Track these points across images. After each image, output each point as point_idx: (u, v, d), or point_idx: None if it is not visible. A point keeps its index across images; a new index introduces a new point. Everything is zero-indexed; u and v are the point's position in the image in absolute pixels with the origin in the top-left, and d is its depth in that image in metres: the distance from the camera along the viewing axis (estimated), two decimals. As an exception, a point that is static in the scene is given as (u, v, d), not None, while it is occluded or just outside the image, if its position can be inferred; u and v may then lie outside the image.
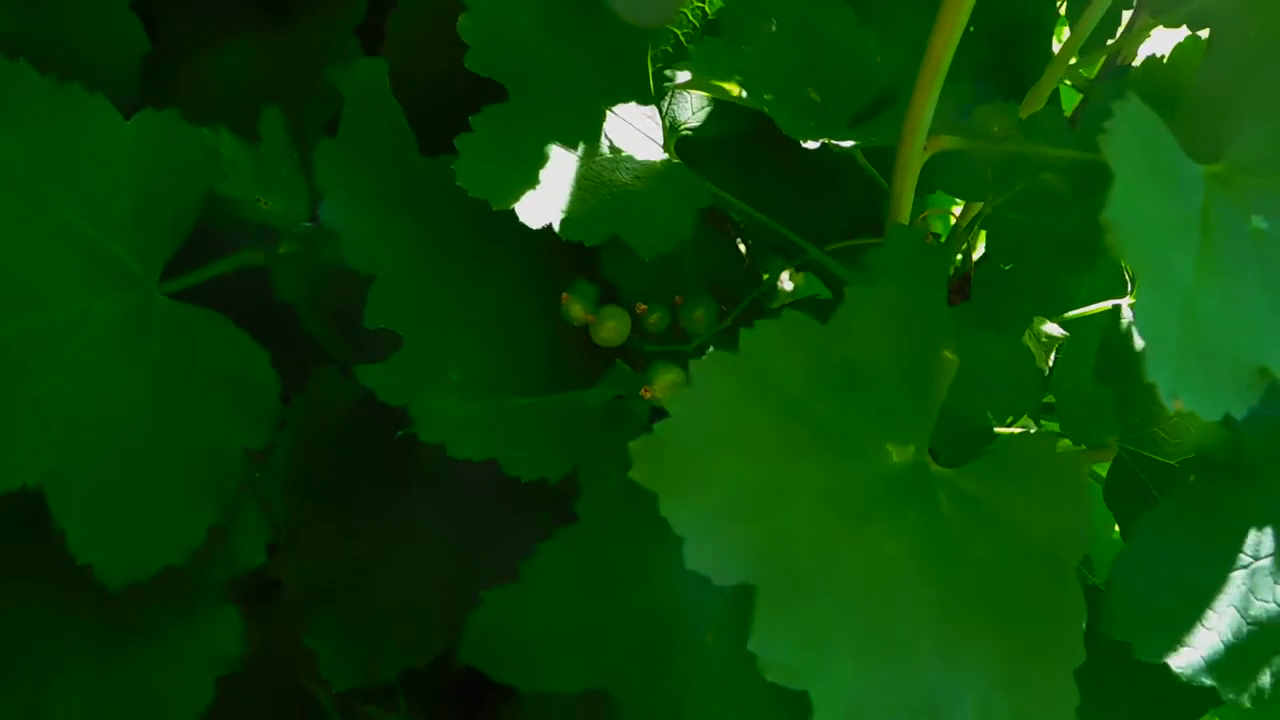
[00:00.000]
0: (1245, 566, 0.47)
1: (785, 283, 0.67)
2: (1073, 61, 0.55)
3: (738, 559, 0.35)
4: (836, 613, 0.37)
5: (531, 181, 0.49)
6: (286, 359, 0.58)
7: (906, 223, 0.49)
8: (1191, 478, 0.48)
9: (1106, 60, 0.58)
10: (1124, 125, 0.37)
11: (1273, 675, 0.47)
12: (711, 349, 0.36)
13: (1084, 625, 0.39)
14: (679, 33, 0.53)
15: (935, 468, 0.41)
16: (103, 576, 0.54)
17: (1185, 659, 0.46)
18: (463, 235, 0.56)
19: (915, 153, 0.46)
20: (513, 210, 0.50)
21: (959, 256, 0.56)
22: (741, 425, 0.36)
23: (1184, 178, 0.40)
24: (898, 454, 0.40)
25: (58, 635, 0.59)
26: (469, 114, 0.51)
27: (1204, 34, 0.55)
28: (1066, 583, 0.39)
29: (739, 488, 0.36)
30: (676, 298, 0.55)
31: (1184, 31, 0.55)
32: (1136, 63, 0.58)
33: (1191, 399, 0.35)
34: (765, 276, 0.55)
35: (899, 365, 0.39)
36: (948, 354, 0.39)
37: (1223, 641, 0.46)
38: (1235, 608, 0.47)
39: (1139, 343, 0.50)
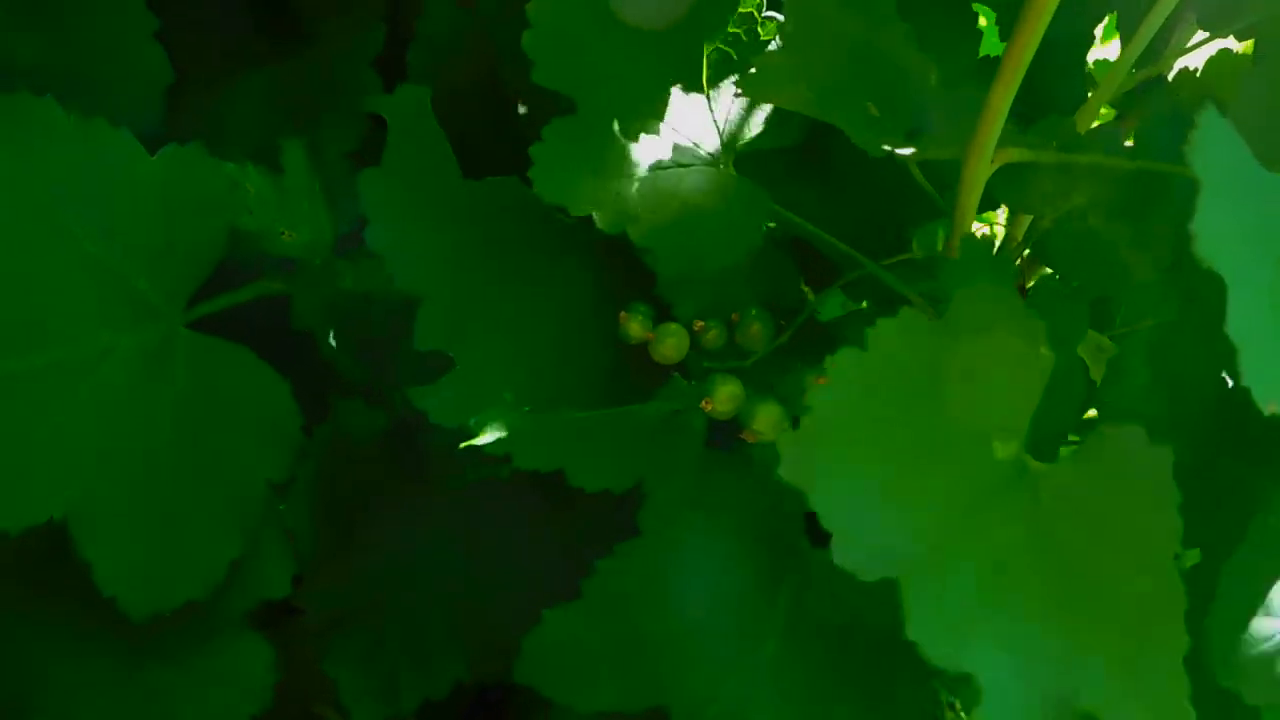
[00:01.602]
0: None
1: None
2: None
3: (880, 554, 0.35)
4: (966, 603, 0.37)
5: (604, 189, 0.49)
6: (307, 388, 0.58)
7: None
8: (1271, 519, 0.49)
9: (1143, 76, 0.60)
10: (1207, 134, 0.38)
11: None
12: (842, 348, 0.36)
13: (1184, 612, 0.39)
14: (732, 52, 0.54)
15: (1034, 464, 0.41)
16: (127, 608, 0.54)
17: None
18: (511, 257, 0.57)
19: (983, 164, 0.47)
20: (561, 231, 0.51)
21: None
22: (872, 421, 0.37)
23: (1263, 185, 0.41)
24: (1002, 450, 0.40)
25: (84, 664, 0.58)
26: (493, 141, 0.51)
27: (1238, 47, 0.57)
28: (1164, 570, 0.40)
29: (874, 482, 0.36)
30: (733, 314, 0.55)
31: (1217, 45, 0.57)
32: (1170, 76, 0.59)
33: (1285, 402, 0.36)
34: (826, 290, 0.56)
35: (1003, 362, 0.40)
36: (1045, 350, 0.40)
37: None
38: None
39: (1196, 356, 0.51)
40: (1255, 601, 0.45)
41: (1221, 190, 0.37)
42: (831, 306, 0.61)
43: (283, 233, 0.59)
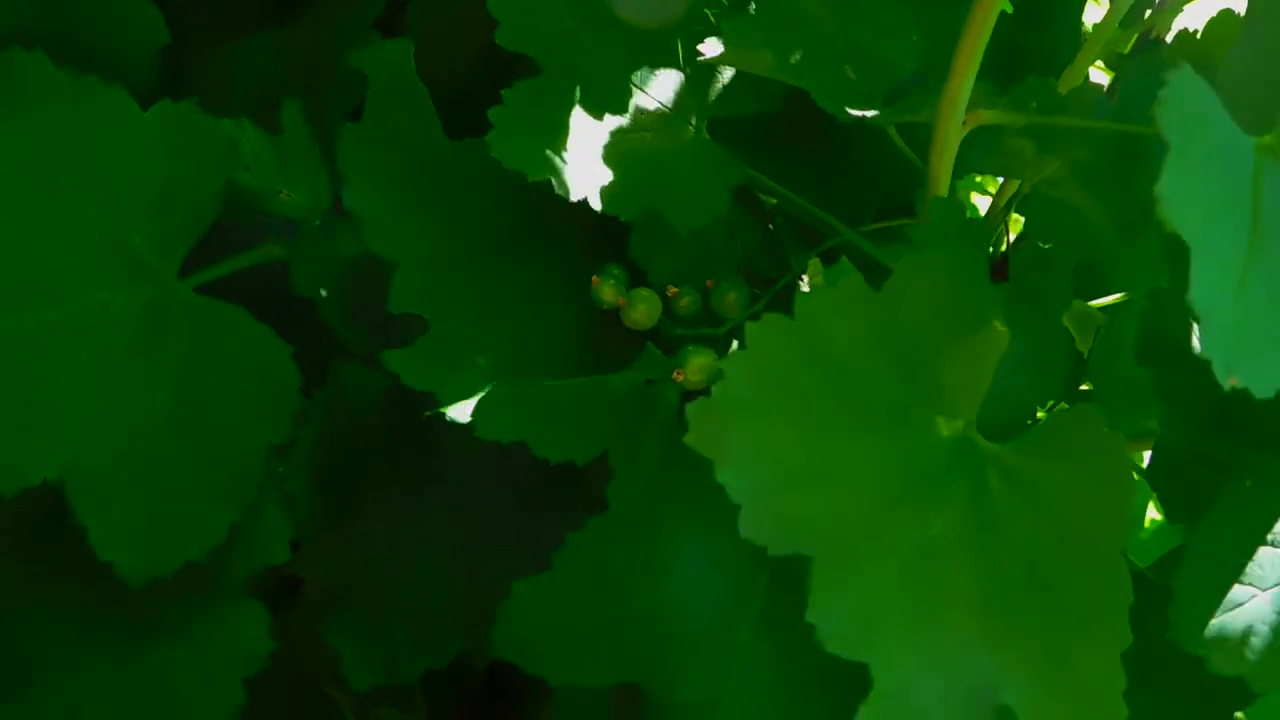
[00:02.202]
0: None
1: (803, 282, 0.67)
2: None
3: (792, 529, 0.35)
4: (887, 587, 0.36)
5: (566, 154, 0.48)
6: (306, 352, 0.58)
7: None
8: (1248, 482, 0.47)
9: (1139, 36, 0.58)
10: (1177, 95, 0.36)
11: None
12: (765, 314, 0.35)
13: (1129, 607, 0.38)
14: (709, 11, 0.53)
15: (983, 443, 0.40)
16: (124, 573, 0.53)
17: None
18: (489, 219, 0.56)
19: (954, 128, 0.46)
20: (539, 194, 0.49)
21: (997, 236, 0.55)
22: (794, 392, 0.36)
23: (1235, 149, 0.39)
24: (947, 428, 0.39)
25: (82, 633, 0.58)
26: (495, 100, 0.50)
27: (1237, 5, 0.54)
28: (1112, 564, 0.39)
29: (793, 456, 0.35)
30: (708, 281, 0.54)
31: (1216, 5, 0.55)
32: (1168, 38, 0.57)
33: (1246, 376, 0.34)
34: (805, 257, 0.55)
35: (950, 337, 0.39)
36: (999, 325, 0.38)
37: (1268, 630, 0.45)
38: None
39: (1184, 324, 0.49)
40: (1225, 567, 0.44)
41: (1191, 152, 0.35)
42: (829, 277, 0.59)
43: (281, 192, 0.58)
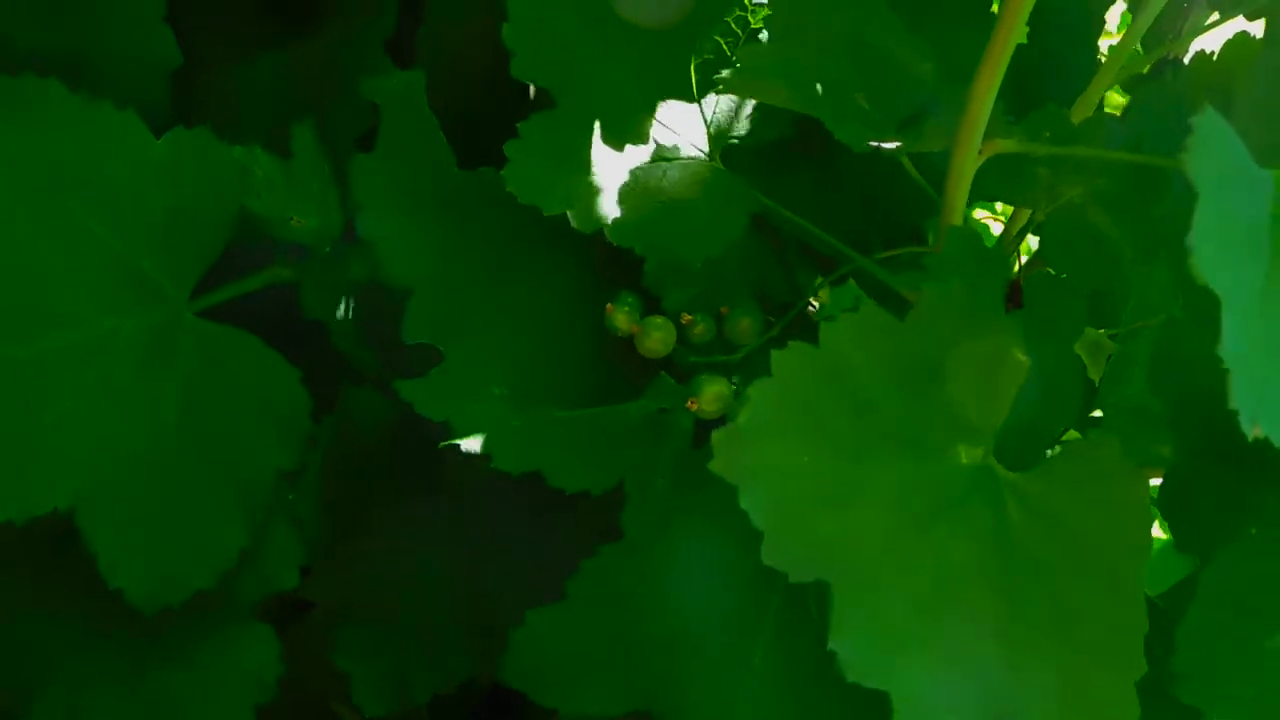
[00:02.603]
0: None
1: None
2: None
3: (814, 555, 0.34)
4: (907, 614, 0.36)
5: (581, 186, 0.48)
6: (316, 377, 0.57)
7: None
8: (1253, 530, 0.47)
9: (1157, 60, 0.58)
10: (1205, 141, 0.36)
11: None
12: (791, 342, 0.35)
13: (1144, 636, 0.38)
14: (722, 41, 0.53)
15: (1002, 471, 0.40)
16: (134, 600, 0.53)
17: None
18: (502, 248, 0.56)
19: (970, 157, 0.46)
20: (552, 223, 0.50)
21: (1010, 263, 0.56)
22: (818, 419, 0.36)
23: (1255, 185, 0.39)
24: (967, 455, 0.39)
25: (91, 655, 0.58)
26: (503, 127, 0.51)
27: (1257, 30, 0.55)
28: (1128, 593, 0.39)
29: (815, 483, 0.35)
30: (721, 308, 0.54)
31: (1233, 28, 0.55)
32: (1186, 59, 0.57)
33: (1269, 426, 0.35)
34: (816, 282, 0.55)
35: (971, 365, 0.39)
36: (1018, 355, 0.38)
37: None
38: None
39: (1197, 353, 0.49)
40: (1230, 619, 0.44)
41: (1218, 199, 0.35)
42: (836, 302, 0.59)
43: (291, 218, 0.58)
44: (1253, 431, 0.34)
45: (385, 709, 0.59)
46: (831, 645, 0.34)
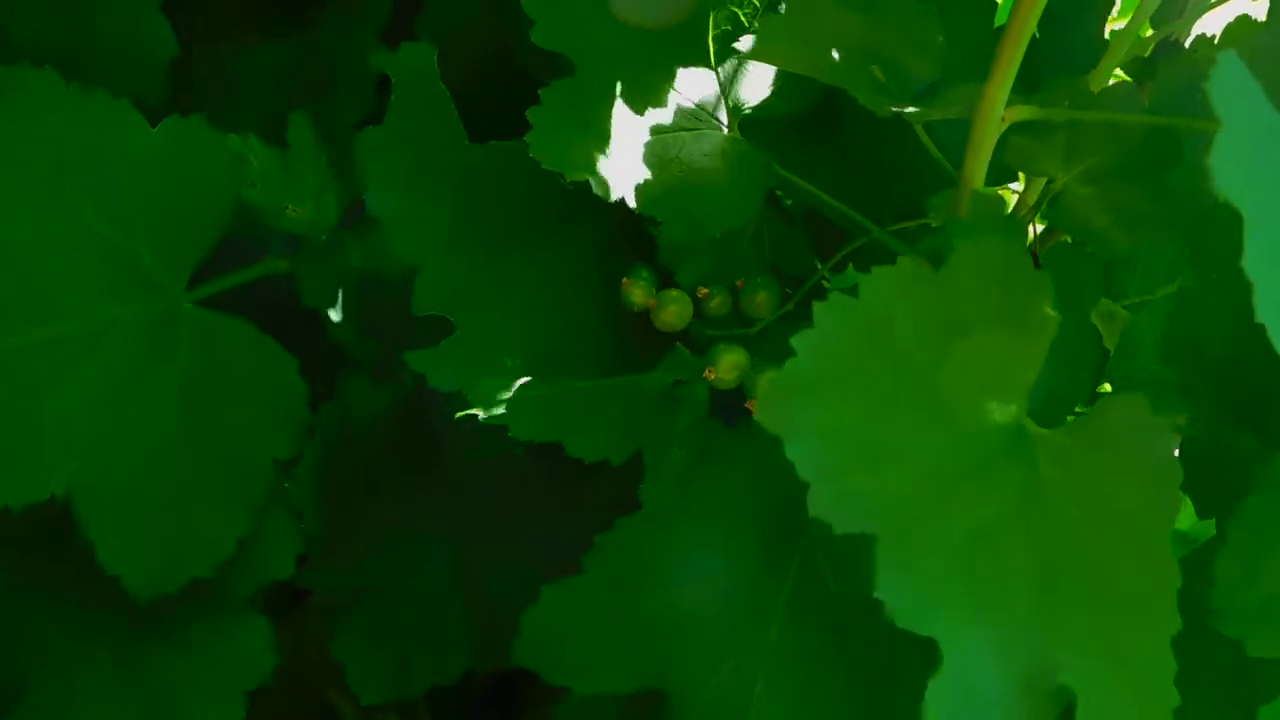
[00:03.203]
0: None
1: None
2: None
3: (860, 507, 0.34)
4: (947, 568, 0.36)
5: (603, 153, 0.48)
6: (314, 366, 0.58)
7: (980, 195, 0.48)
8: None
9: (1159, 42, 0.58)
10: (1226, 74, 0.36)
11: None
12: (831, 294, 0.35)
13: (1177, 592, 0.38)
14: (740, 11, 0.53)
15: (1033, 428, 0.40)
16: (131, 588, 0.53)
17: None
18: (514, 221, 0.56)
19: (993, 123, 0.46)
20: (565, 195, 0.50)
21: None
22: (858, 372, 0.36)
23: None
24: (1000, 413, 0.39)
25: (87, 641, 0.58)
26: (502, 113, 0.51)
27: (1258, 10, 0.55)
28: (1159, 548, 0.39)
29: (856, 435, 0.35)
30: (737, 281, 0.54)
31: (1236, 10, 0.55)
32: (1187, 43, 0.58)
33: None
34: (836, 255, 0.55)
35: (1004, 321, 0.39)
36: (1049, 310, 0.38)
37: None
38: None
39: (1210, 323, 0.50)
40: (1265, 549, 0.44)
41: (1241, 127, 0.35)
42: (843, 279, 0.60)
43: (287, 207, 0.58)
44: None
45: (381, 698, 0.59)
46: (878, 594, 0.34)
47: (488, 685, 0.70)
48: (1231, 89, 0.36)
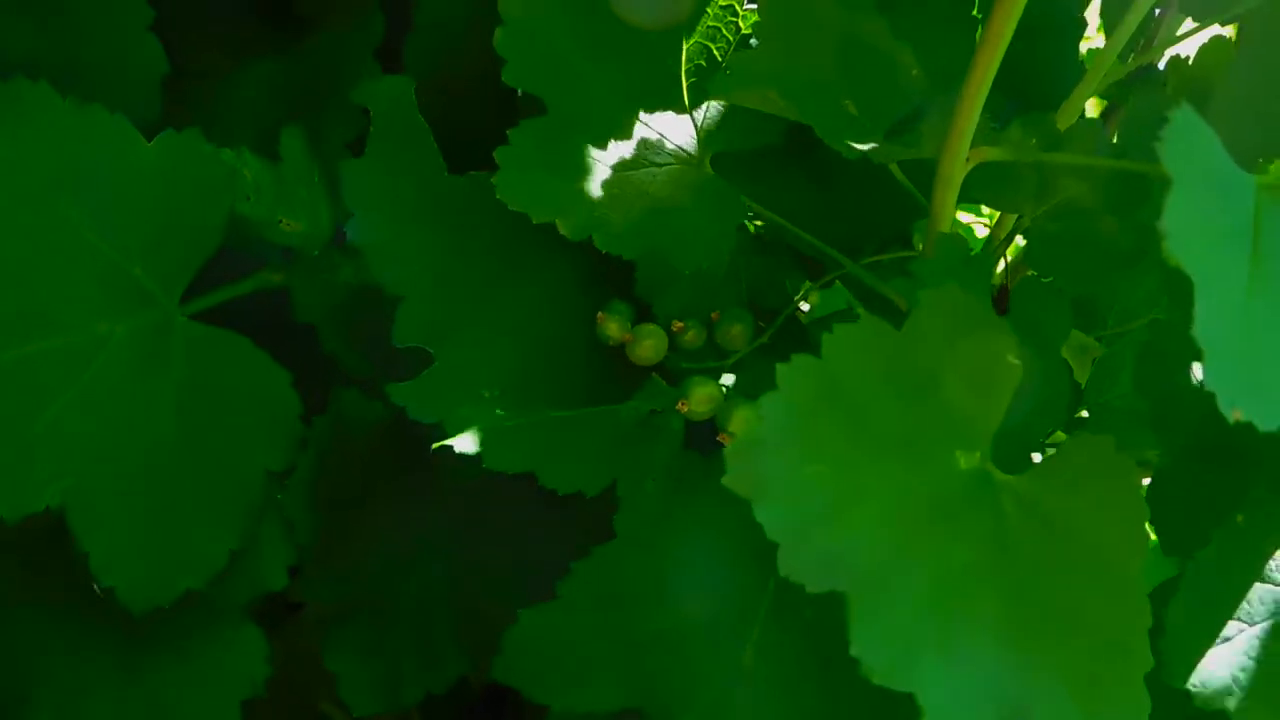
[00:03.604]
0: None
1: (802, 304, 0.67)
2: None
3: (830, 567, 0.35)
4: (917, 618, 0.37)
5: (571, 194, 0.49)
6: (307, 380, 0.58)
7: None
8: (1239, 517, 0.48)
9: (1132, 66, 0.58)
10: (1179, 133, 0.37)
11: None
12: (795, 356, 0.36)
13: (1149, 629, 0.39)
14: (713, 46, 0.53)
15: (998, 474, 0.40)
16: (125, 600, 0.54)
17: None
18: (493, 252, 0.56)
19: (958, 164, 0.46)
20: (544, 228, 0.50)
21: (998, 269, 0.56)
22: (824, 432, 0.36)
23: (1235, 185, 0.40)
24: (964, 460, 0.39)
25: (82, 654, 0.58)
26: (490, 135, 0.51)
27: (1230, 33, 0.55)
28: (1129, 588, 0.39)
29: (824, 493, 0.35)
30: (712, 314, 0.55)
31: (1209, 32, 0.56)
32: (1161, 65, 0.58)
33: (1249, 408, 0.35)
34: (805, 286, 0.55)
35: (966, 373, 0.39)
36: (1012, 359, 0.39)
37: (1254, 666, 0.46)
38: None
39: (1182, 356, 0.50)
40: (1217, 602, 0.44)
41: (1193, 188, 0.36)
42: (825, 306, 0.60)
43: (281, 221, 0.59)
44: (1233, 415, 0.34)
45: (374, 709, 0.60)
46: (854, 652, 0.35)
47: (481, 695, 0.70)
48: (1184, 148, 0.36)
